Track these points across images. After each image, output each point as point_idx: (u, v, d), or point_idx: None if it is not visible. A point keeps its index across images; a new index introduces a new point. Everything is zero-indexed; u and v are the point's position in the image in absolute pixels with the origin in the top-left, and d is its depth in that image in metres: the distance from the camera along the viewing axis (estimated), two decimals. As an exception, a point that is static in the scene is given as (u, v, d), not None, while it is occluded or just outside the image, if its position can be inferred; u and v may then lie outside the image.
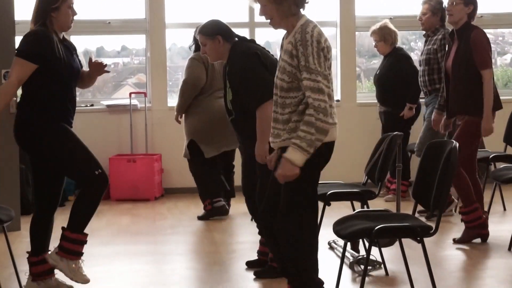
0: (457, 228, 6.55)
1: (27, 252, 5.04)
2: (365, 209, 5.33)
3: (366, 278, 4.95)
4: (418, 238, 4.24)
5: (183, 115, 7.54)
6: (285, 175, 4.08)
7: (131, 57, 10.14)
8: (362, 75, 10.03)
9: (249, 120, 5.01)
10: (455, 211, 7.19)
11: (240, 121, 5.18)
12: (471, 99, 6.07)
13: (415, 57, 9.81)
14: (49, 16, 4.84)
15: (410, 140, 8.28)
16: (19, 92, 5.07)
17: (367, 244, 4.43)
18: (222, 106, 7.26)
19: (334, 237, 5.09)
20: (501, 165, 6.97)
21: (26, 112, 4.85)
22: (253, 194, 5.15)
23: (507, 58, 10.31)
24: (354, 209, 5.85)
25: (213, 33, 5.32)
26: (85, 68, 5.17)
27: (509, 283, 5.15)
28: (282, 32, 4.33)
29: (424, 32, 7.58)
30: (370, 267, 5.31)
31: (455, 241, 6.18)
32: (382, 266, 5.34)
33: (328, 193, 5.38)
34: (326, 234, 5.55)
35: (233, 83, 5.13)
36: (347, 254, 5.42)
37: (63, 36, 4.97)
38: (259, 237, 5.51)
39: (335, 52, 9.22)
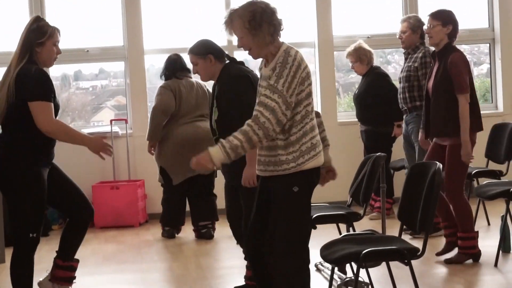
0: (443, 245, 6.57)
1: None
2: (352, 232, 5.34)
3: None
4: (406, 261, 4.26)
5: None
6: (199, 162, 4.11)
7: (109, 79, 10.13)
8: (341, 89, 10.08)
9: None
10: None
11: None
12: (451, 122, 6.07)
13: (392, 70, 9.87)
14: (34, 51, 4.84)
15: (393, 158, 8.32)
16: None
17: (354, 267, 4.44)
18: (188, 132, 7.56)
19: (320, 259, 5.08)
20: (483, 180, 7.01)
21: (4, 153, 4.84)
22: (237, 219, 5.16)
23: (483, 68, 10.38)
24: (339, 231, 5.88)
25: (205, 52, 5.35)
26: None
27: (497, 300, 5.19)
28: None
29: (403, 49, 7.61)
30: (358, 289, 5.32)
31: (447, 261, 6.19)
32: (370, 287, 5.35)
33: (314, 216, 5.39)
34: (312, 256, 5.54)
35: (221, 103, 5.13)
36: (334, 276, 5.42)
37: None
38: (245, 262, 5.50)
39: (314, 72, 9.26)
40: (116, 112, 9.85)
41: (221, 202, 7.88)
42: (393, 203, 8.20)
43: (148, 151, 7.88)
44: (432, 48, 6.37)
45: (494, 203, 6.92)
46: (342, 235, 4.84)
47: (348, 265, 5.68)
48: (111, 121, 9.11)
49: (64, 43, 5.16)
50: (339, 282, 5.44)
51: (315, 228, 5.42)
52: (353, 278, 5.36)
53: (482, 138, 7.06)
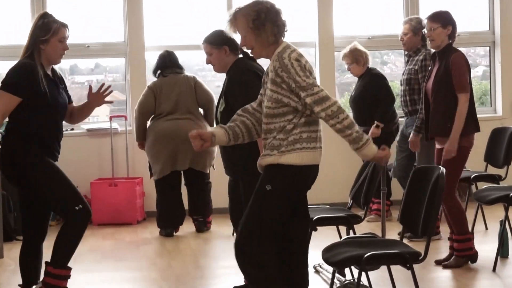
0: (444, 250, 6.58)
1: (19, 286, 5.01)
2: (352, 235, 5.34)
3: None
4: (408, 265, 4.27)
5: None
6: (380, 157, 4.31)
7: (105, 74, 10.10)
8: (337, 90, 10.06)
9: None
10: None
11: None
12: (450, 122, 6.06)
13: (388, 70, 9.84)
14: (38, 48, 4.82)
15: (390, 160, 8.31)
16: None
17: (354, 269, 4.44)
18: (169, 127, 7.52)
19: (319, 260, 5.08)
20: (482, 184, 7.01)
21: (11, 144, 4.83)
22: (241, 215, 5.16)
23: (479, 70, 10.37)
24: (339, 233, 5.88)
25: (221, 42, 5.31)
26: (79, 100, 5.16)
27: (496, 305, 5.19)
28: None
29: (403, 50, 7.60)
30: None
31: (444, 266, 6.18)
32: (370, 290, 5.35)
33: (314, 218, 5.39)
34: (312, 258, 5.54)
35: (228, 96, 5.12)
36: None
37: (52, 68, 4.95)
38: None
39: (315, 71, 9.24)
40: (111, 108, 9.81)
41: (219, 201, 7.94)
42: (391, 205, 8.20)
43: (138, 147, 8.07)
44: (433, 50, 6.36)
45: (492, 207, 6.91)
46: (344, 237, 4.84)
47: (347, 268, 5.68)
48: (110, 117, 9.09)
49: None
50: (338, 285, 5.44)
51: (315, 230, 5.44)
52: (352, 281, 5.37)
53: (481, 142, 7.07)
